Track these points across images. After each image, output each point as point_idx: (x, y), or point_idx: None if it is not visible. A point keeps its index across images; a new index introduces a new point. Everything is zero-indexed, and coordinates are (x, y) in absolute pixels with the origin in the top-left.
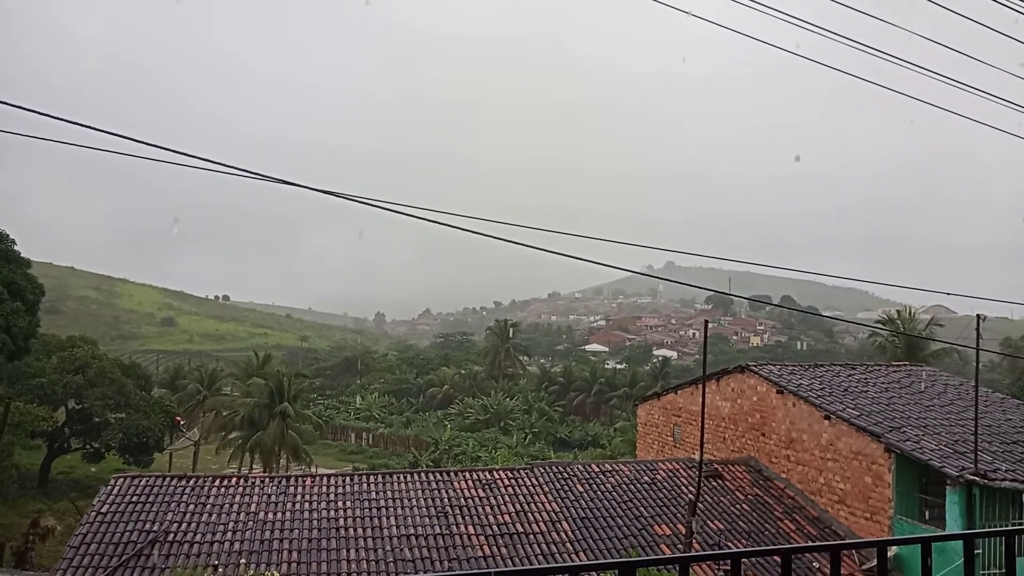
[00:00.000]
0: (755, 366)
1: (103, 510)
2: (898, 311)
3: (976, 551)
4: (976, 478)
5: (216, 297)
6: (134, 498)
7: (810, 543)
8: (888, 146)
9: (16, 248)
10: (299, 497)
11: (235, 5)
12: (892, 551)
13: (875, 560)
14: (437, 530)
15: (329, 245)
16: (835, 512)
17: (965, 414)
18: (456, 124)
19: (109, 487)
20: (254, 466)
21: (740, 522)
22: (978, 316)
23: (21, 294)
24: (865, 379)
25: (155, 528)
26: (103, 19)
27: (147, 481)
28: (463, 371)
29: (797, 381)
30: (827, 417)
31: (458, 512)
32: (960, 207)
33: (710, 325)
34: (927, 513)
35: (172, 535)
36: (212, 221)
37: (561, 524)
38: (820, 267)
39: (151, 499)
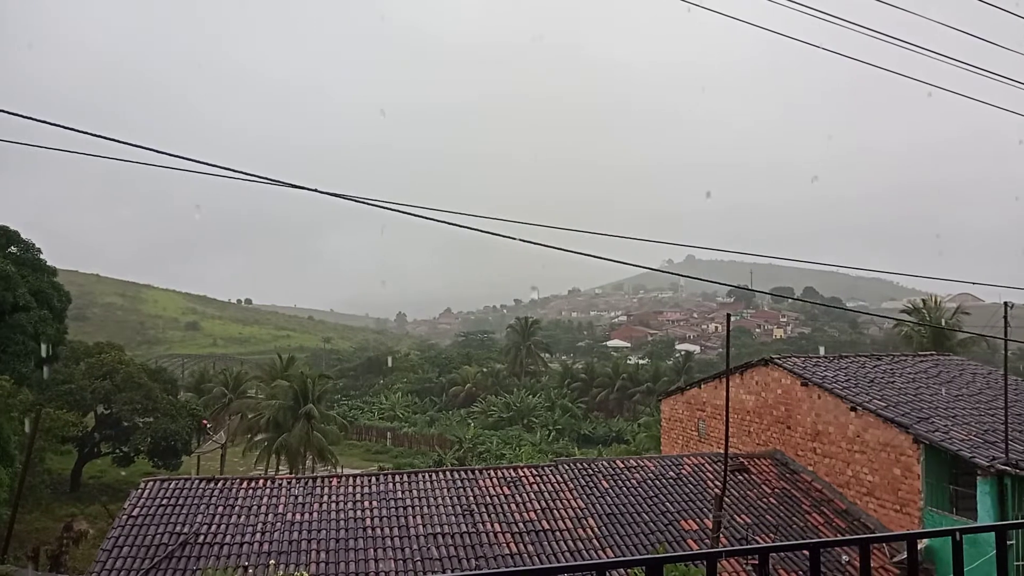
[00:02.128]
0: (779, 359)
1: (134, 513)
2: (923, 300)
3: (1009, 542)
4: (1008, 468)
5: (239, 301)
6: (164, 501)
7: (839, 537)
8: (912, 132)
9: (42, 257)
10: (326, 498)
11: (251, 17)
12: (923, 543)
13: (906, 552)
14: (463, 528)
15: (349, 247)
16: (864, 504)
17: (994, 403)
18: (477, 127)
19: (139, 491)
20: (280, 468)
21: (767, 516)
22: (1005, 304)
23: (48, 302)
24: (891, 369)
25: (185, 530)
26: (117, 34)
27: (176, 484)
28: (485, 369)
29: (822, 373)
30: (853, 409)
31: (484, 510)
32: (986, 191)
33: (732, 318)
34: (958, 504)
35: (202, 537)
36: (233, 227)
37: (587, 521)
38: (844, 255)
39: (181, 502)
